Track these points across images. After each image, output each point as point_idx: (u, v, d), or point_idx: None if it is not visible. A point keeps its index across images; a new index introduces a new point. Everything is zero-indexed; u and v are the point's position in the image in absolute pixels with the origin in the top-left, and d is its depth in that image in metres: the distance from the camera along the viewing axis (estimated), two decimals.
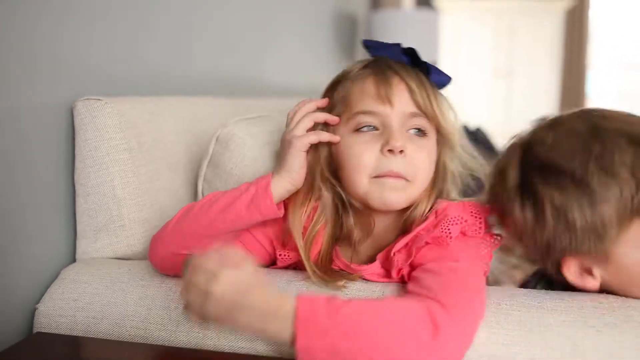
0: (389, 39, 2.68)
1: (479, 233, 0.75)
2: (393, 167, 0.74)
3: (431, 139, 0.79)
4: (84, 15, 0.92)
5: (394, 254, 0.74)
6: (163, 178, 0.94)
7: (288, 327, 0.59)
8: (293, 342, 0.59)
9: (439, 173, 0.81)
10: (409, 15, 2.67)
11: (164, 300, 0.76)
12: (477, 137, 2.27)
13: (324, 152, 0.80)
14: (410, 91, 0.76)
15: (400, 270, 0.74)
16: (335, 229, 0.81)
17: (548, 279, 0.80)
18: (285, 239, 0.80)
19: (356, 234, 0.80)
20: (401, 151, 0.74)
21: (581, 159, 0.67)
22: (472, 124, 2.30)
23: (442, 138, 0.80)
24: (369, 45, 0.82)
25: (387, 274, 0.76)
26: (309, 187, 0.80)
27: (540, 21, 4.48)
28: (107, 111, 0.86)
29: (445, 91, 0.84)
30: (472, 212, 0.76)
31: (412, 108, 0.76)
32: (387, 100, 0.75)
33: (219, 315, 0.62)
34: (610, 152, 0.67)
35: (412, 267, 0.73)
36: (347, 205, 0.80)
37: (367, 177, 0.75)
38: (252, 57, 1.63)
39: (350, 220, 0.80)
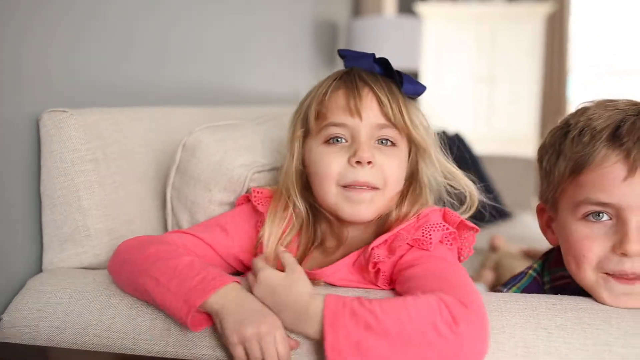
0: (370, 46, 2.65)
1: (454, 244, 0.77)
2: (359, 177, 0.76)
3: (401, 148, 0.80)
4: (52, 26, 0.92)
5: (373, 249, 0.75)
6: (129, 188, 0.95)
7: (317, 326, 0.64)
8: (322, 340, 0.63)
9: (417, 181, 0.83)
10: (390, 22, 2.68)
11: (128, 309, 0.77)
12: (456, 143, 2.27)
13: (296, 166, 0.83)
14: (380, 103, 0.78)
15: (376, 264, 0.75)
16: (310, 237, 0.83)
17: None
18: (259, 249, 0.82)
19: (329, 241, 0.83)
20: (369, 162, 0.76)
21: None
22: (452, 130, 2.32)
23: (417, 147, 0.82)
24: (344, 55, 0.85)
25: (356, 276, 0.78)
26: (284, 198, 0.83)
27: (521, 26, 4.52)
28: (72, 123, 0.87)
29: (428, 97, 0.86)
30: (451, 221, 0.78)
31: (381, 120, 0.78)
32: (357, 112, 0.77)
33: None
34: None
35: (394, 268, 0.74)
36: (320, 214, 0.83)
37: (335, 185, 0.78)
38: (232, 65, 1.63)
39: (324, 228, 0.84)
